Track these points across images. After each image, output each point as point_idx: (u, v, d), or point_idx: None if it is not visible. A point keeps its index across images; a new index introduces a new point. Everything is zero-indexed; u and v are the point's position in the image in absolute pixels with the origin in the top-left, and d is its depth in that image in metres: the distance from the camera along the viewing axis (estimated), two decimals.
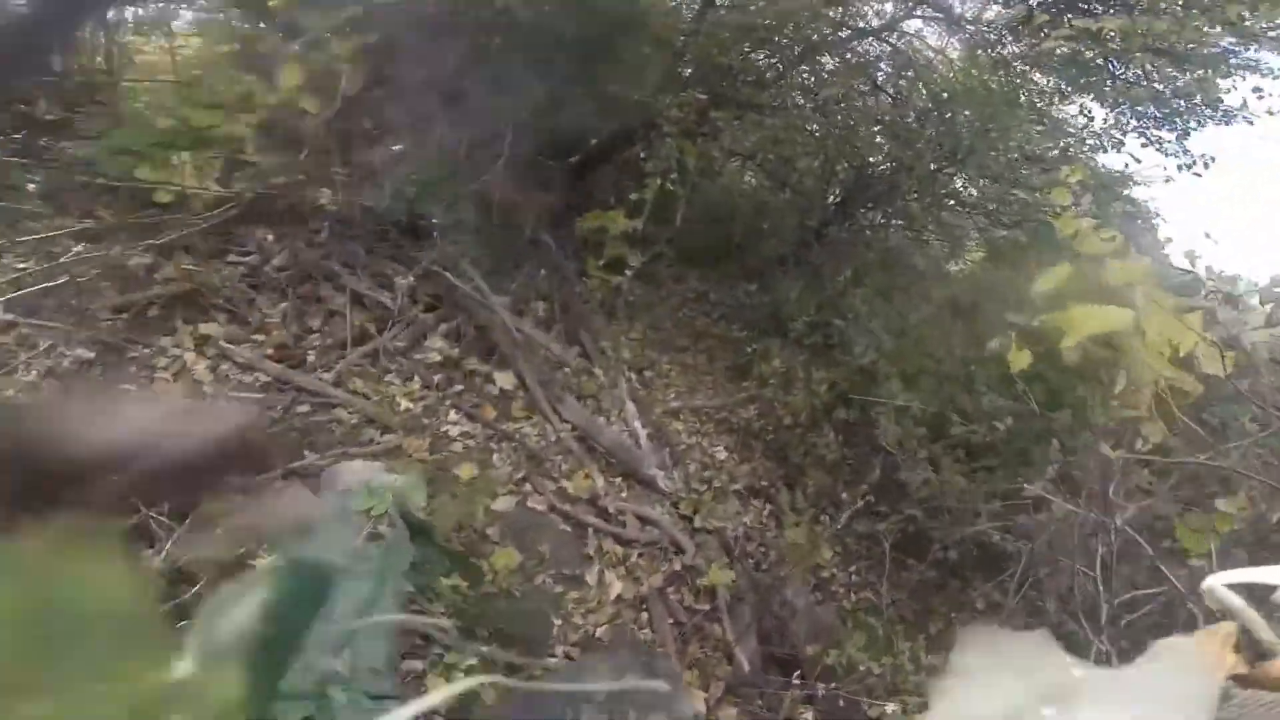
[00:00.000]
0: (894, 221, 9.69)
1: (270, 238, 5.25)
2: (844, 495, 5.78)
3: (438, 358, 5.15)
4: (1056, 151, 8.30)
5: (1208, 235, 6.60)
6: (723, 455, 6.25)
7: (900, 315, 5.97)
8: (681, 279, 9.05)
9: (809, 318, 6.58)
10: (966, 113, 7.98)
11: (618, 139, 7.41)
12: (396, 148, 5.17)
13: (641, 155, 6.73)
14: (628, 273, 6.64)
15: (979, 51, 8.53)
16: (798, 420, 6.03)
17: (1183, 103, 7.86)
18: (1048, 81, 8.44)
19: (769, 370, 6.55)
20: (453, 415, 5.06)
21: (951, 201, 9.15)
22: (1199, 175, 7.38)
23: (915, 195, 8.79)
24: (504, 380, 5.32)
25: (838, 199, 9.93)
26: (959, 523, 5.05)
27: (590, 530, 4.97)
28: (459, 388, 5.19)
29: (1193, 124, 7.77)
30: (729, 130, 6.49)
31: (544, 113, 5.40)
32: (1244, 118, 7.65)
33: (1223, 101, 7.57)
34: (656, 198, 7.67)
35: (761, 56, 7.23)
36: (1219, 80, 7.58)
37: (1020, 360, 3.03)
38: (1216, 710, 0.43)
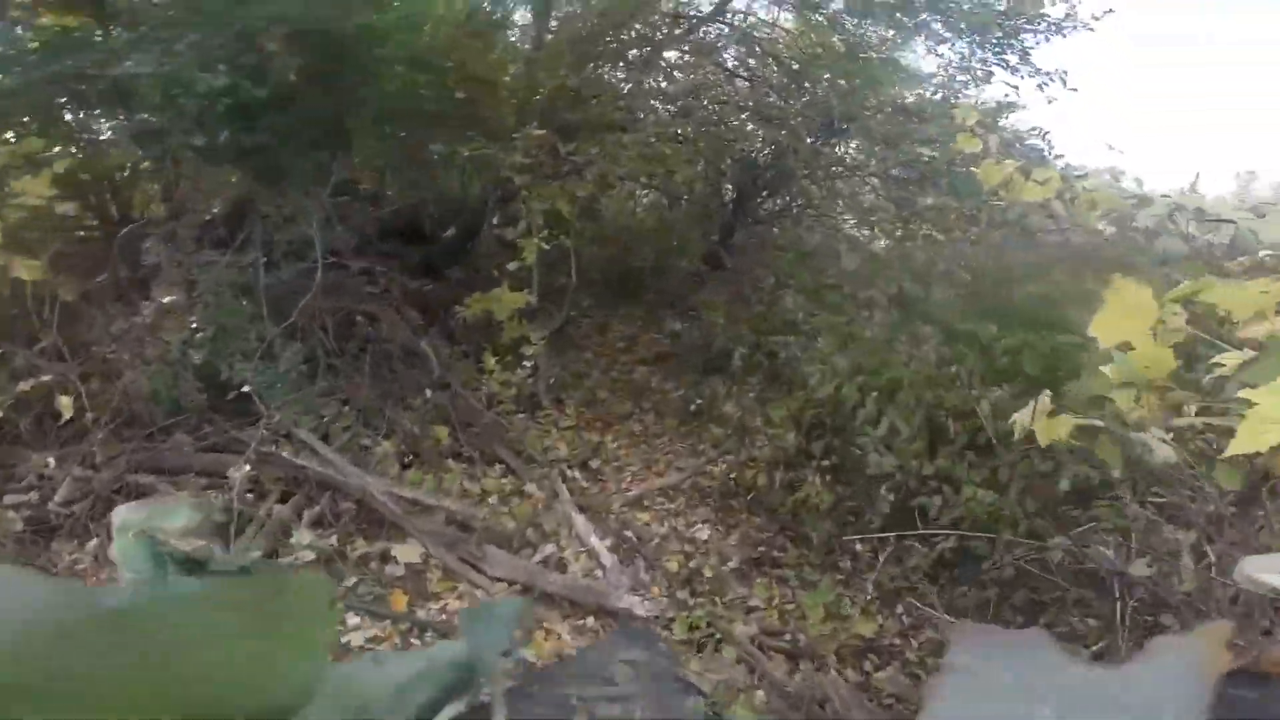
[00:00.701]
0: (798, 209, 8.83)
1: (51, 463, 3.90)
2: (858, 544, 4.66)
3: (310, 555, 3.84)
4: (931, 98, 7.61)
5: (1110, 147, 5.81)
6: (705, 534, 5.08)
7: (843, 319, 4.93)
8: (602, 330, 7.93)
9: (744, 349, 5.49)
10: (826, 77, 7.19)
11: (470, 208, 6.28)
12: (167, 299, 3.89)
13: (494, 223, 5.56)
14: (530, 356, 5.43)
15: (809, 15, 7.78)
16: (775, 470, 4.90)
17: (1014, 22, 7.27)
18: (886, 31, 7.77)
19: (724, 418, 5.42)
20: (352, 620, 3.76)
21: (847, 174, 8.34)
22: (1075, 90, 6.72)
23: (806, 175, 7.95)
24: (406, 554, 4.03)
25: (733, 198, 9.07)
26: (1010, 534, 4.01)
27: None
28: (351, 582, 3.89)
29: (1030, 42, 7.19)
30: (593, 160, 5.37)
31: (360, 205, 4.20)
32: (1082, 26, 7.10)
33: (1048, 16, 7.06)
34: (543, 254, 6.57)
35: (605, 70, 6.17)
36: None
37: (1055, 430, 2.09)
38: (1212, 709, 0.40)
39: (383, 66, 4.58)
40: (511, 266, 5.36)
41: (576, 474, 5.42)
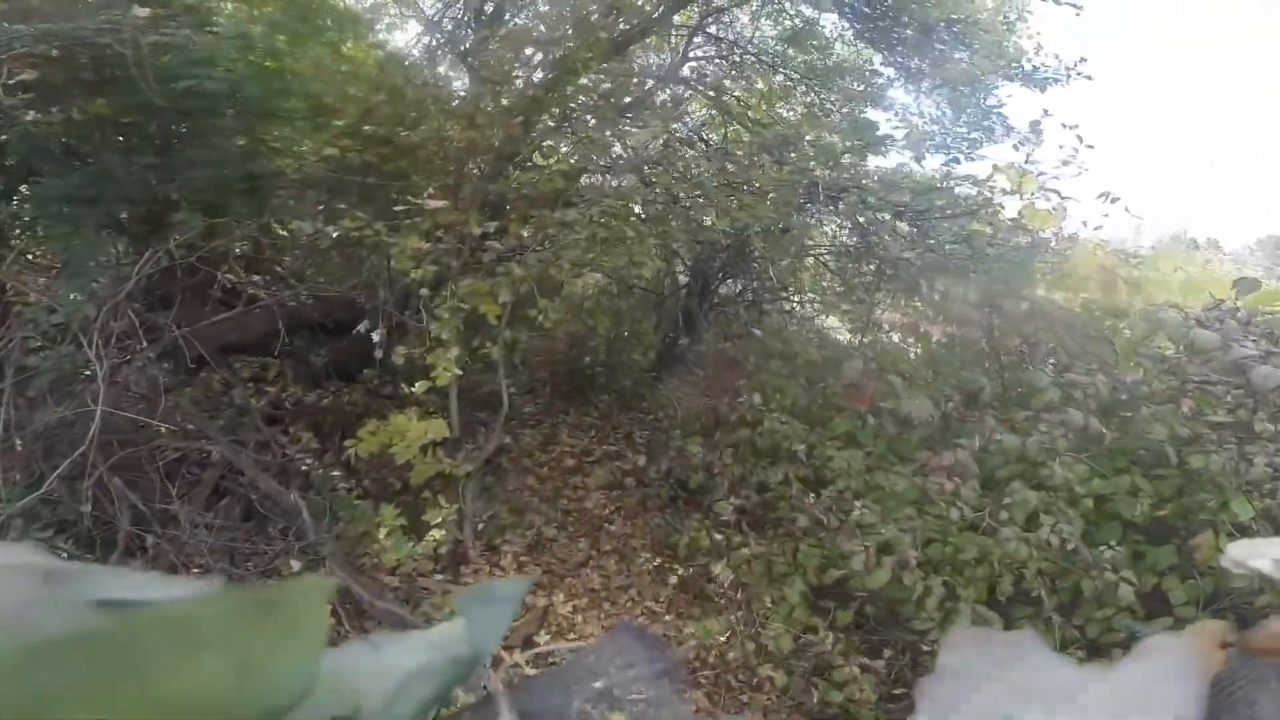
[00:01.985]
0: (765, 295, 7.64)
1: None
2: None
3: None
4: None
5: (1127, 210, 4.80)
6: None
7: (863, 452, 3.57)
8: (547, 445, 6.38)
9: (735, 500, 4.05)
10: (808, 140, 6.15)
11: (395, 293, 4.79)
12: None
13: (365, 330, 4.10)
14: (442, 518, 3.85)
15: (757, 79, 6.88)
16: (798, 650, 3.40)
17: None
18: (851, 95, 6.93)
19: (715, 575, 3.93)
20: None
21: (834, 255, 7.27)
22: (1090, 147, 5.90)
23: (763, 255, 6.81)
24: None
25: (689, 283, 7.83)
26: None
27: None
28: None
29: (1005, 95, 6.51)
30: (525, 246, 3.98)
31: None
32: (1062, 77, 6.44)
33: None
34: (468, 365, 5.07)
35: (541, 132, 4.87)
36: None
37: None
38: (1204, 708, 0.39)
39: (221, 117, 3.18)
40: (418, 389, 3.84)
41: (519, 659, 3.78)
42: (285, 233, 4.39)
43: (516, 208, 4.19)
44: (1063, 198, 3.58)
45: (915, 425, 3.09)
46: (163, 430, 4.01)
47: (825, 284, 7.26)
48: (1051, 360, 3.02)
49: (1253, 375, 2.42)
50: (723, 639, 3.61)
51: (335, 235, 3.45)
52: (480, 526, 4.65)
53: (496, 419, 4.45)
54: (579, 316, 7.37)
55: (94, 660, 0.27)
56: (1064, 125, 4.37)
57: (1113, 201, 3.67)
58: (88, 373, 3.18)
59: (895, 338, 5.55)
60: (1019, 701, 0.38)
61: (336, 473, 4.83)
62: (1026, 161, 3.74)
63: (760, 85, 6.83)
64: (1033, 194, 3.61)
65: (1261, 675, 0.46)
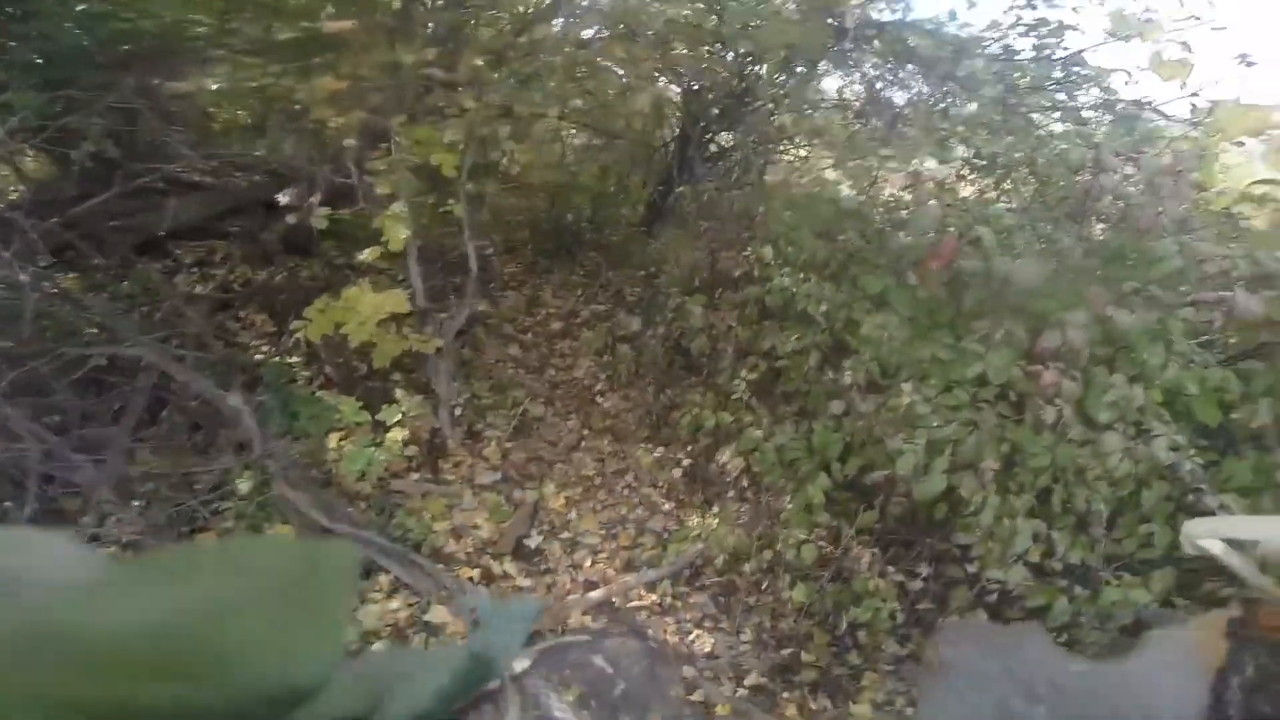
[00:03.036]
0: (768, 146, 6.62)
1: None
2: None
3: None
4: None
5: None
6: (708, 644, 3.19)
7: (891, 309, 2.89)
8: (531, 308, 5.72)
9: (742, 375, 3.44)
10: None
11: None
12: None
13: (286, 200, 3.26)
14: (402, 414, 3.27)
15: None
16: (821, 560, 3.01)
17: None
18: None
19: (715, 469, 3.45)
20: None
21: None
22: None
23: (770, 100, 5.75)
24: None
25: (680, 133, 6.79)
26: None
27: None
28: None
29: None
30: (488, 84, 3.04)
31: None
32: None
33: None
34: (431, 226, 4.28)
35: None
36: None
37: None
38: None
39: None
40: (367, 256, 3.09)
41: (509, 568, 3.38)
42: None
43: (473, 39, 3.18)
44: (1189, 50, 2.69)
45: (990, 295, 2.41)
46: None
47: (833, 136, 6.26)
48: (1158, 230, 2.32)
49: None
50: (732, 541, 3.18)
51: (215, 88, 2.52)
52: (459, 411, 4.10)
53: (468, 283, 3.73)
54: (560, 167, 6.43)
55: (157, 590, 0.26)
56: None
57: (1250, 65, 2.79)
58: None
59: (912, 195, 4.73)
60: (1021, 695, 0.32)
61: (295, 359, 4.20)
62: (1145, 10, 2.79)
63: None
64: (1158, 41, 2.70)
65: (1263, 663, 0.37)
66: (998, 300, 2.48)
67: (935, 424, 2.34)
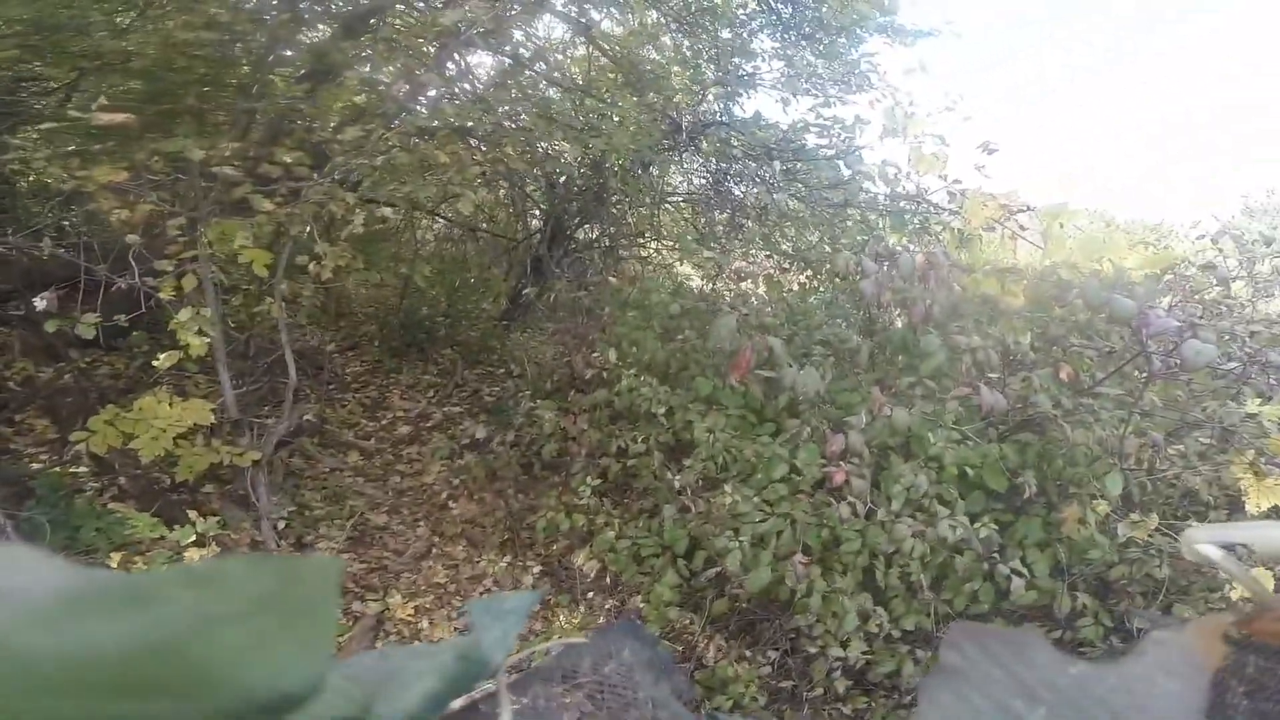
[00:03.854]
0: (619, 242, 6.88)
1: None
2: None
3: None
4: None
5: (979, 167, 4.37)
6: None
7: (720, 409, 2.99)
8: (374, 411, 5.32)
9: (593, 481, 3.38)
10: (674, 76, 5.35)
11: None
12: None
13: (43, 301, 2.93)
14: (197, 533, 2.85)
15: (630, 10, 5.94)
16: (678, 655, 2.87)
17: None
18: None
19: (579, 566, 3.30)
20: None
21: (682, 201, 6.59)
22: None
23: (620, 198, 6.04)
24: None
25: (542, 228, 6.92)
26: None
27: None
28: None
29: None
30: (308, 176, 2.88)
31: None
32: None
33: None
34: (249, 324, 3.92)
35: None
36: None
37: None
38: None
39: None
40: (162, 362, 2.73)
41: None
42: None
43: (295, 133, 3.05)
44: (945, 144, 3.14)
45: (796, 395, 2.54)
46: None
47: (679, 230, 6.63)
48: (930, 321, 2.59)
49: (1184, 349, 2.10)
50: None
51: None
52: (283, 524, 3.65)
53: (287, 392, 3.40)
54: (409, 262, 6.24)
55: (127, 612, 0.25)
56: (924, 71, 3.91)
57: (991, 153, 3.29)
58: None
59: (748, 286, 5.03)
60: (1021, 698, 0.35)
61: (82, 469, 3.58)
62: (910, 105, 3.25)
63: (634, 19, 5.85)
64: (918, 137, 3.12)
65: (1263, 667, 0.43)
66: (802, 401, 2.61)
67: (757, 519, 2.36)
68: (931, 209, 3.71)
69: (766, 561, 2.33)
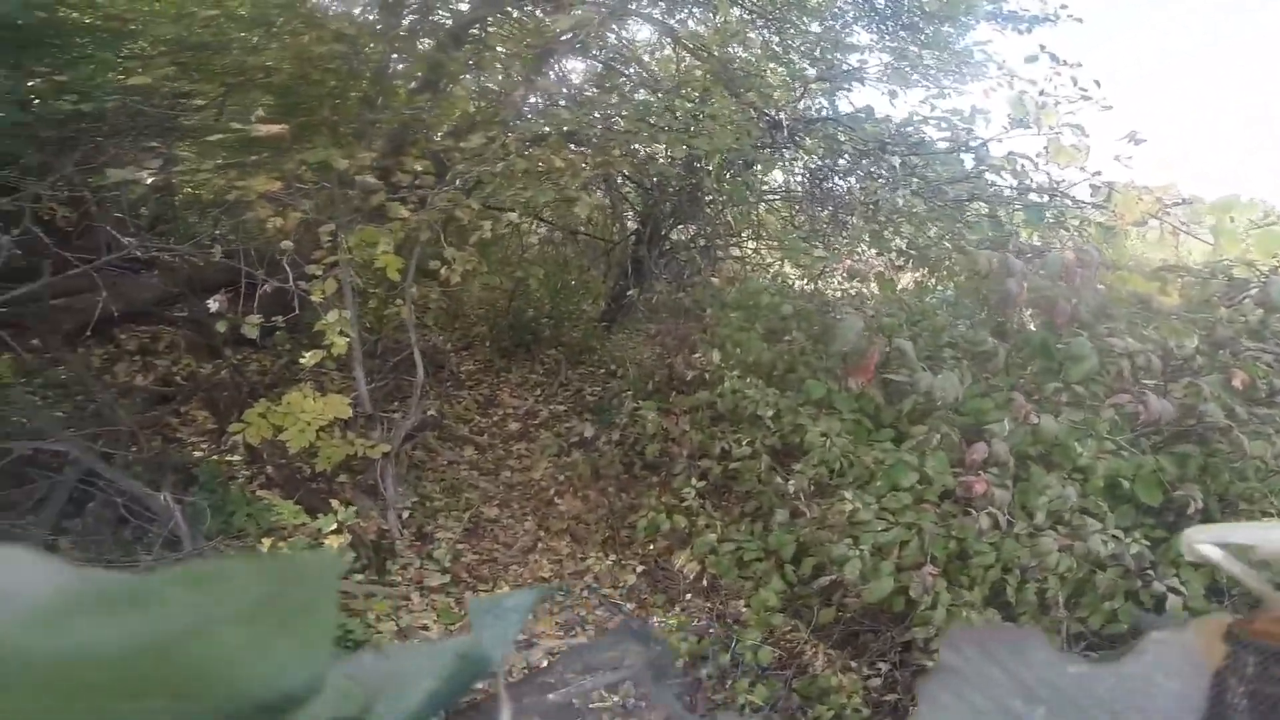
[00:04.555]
0: (715, 242, 6.77)
1: None
2: None
3: None
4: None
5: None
6: None
7: (834, 413, 2.82)
8: (486, 409, 5.53)
9: (696, 482, 3.32)
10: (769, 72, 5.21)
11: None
12: None
13: (214, 304, 3.14)
14: (338, 523, 3.02)
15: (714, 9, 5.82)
16: (780, 661, 2.78)
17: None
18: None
19: (680, 567, 3.25)
20: None
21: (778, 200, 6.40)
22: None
23: (716, 197, 5.92)
24: None
25: (638, 229, 6.94)
26: None
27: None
28: None
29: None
30: (433, 183, 3.01)
31: None
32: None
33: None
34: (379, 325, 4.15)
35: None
36: None
37: None
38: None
39: None
40: (307, 361, 2.93)
41: None
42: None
43: (418, 141, 3.19)
44: (1084, 134, 2.84)
45: (922, 401, 2.36)
46: None
47: (779, 229, 6.43)
48: (1075, 323, 2.33)
49: None
50: (686, 647, 2.93)
51: (149, 182, 2.44)
52: (407, 513, 3.84)
53: (415, 389, 3.57)
54: (520, 265, 6.44)
55: (123, 614, 0.25)
56: (1058, 61, 3.52)
57: (1138, 143, 2.95)
58: None
59: (857, 286, 4.78)
60: (1021, 698, 0.35)
61: (236, 458, 3.93)
62: (1040, 94, 2.97)
63: (718, 17, 5.77)
64: (1055, 129, 2.84)
65: (1260, 666, 0.43)
66: (930, 406, 2.42)
67: (880, 528, 2.21)
68: (1070, 202, 3.37)
69: (888, 572, 2.19)
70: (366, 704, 0.35)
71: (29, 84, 2.57)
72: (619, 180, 6.32)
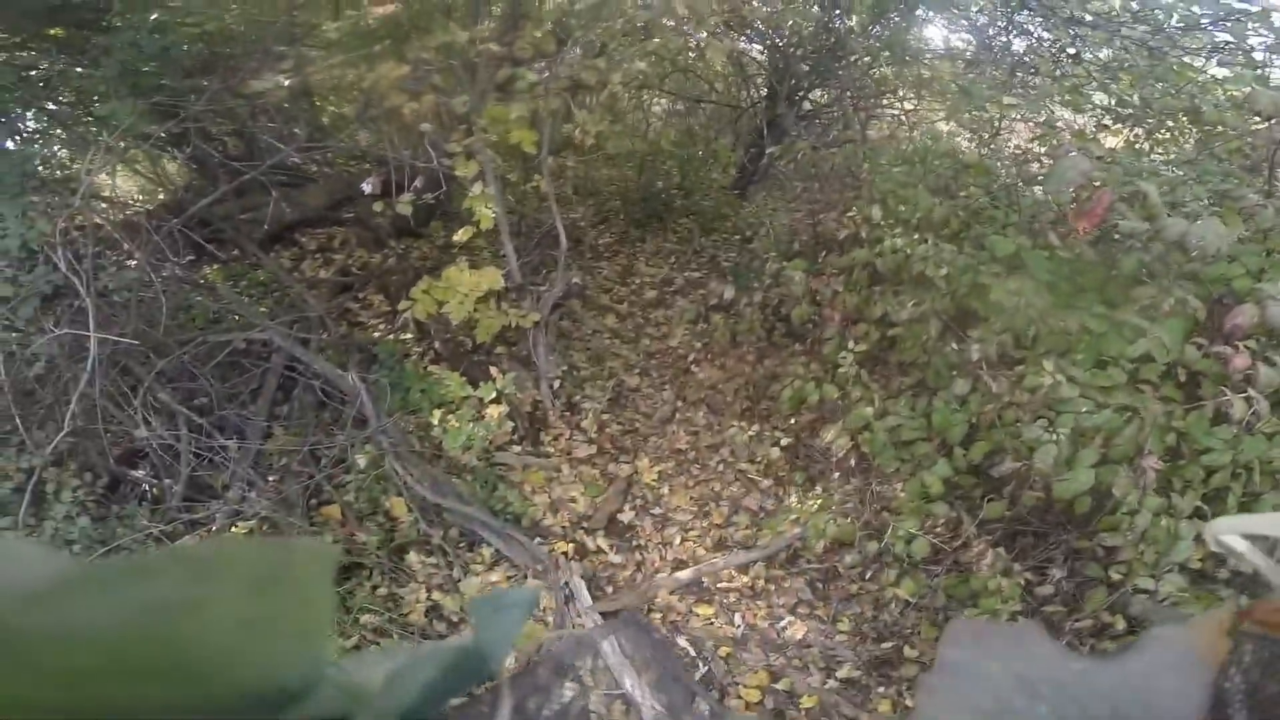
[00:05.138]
0: (864, 102, 5.91)
1: None
2: None
3: None
4: None
5: None
6: (801, 631, 2.92)
7: (1026, 273, 2.36)
8: (625, 277, 5.48)
9: (852, 346, 3.04)
10: None
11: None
12: None
13: (367, 187, 3.10)
14: (497, 392, 3.13)
15: None
16: (935, 554, 2.63)
17: None
18: None
19: (828, 444, 3.09)
20: None
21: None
22: None
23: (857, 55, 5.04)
24: None
25: (768, 92, 6.23)
26: None
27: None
28: None
29: None
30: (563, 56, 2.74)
31: None
32: None
33: None
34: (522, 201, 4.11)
35: None
36: None
37: None
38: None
39: None
40: (460, 237, 2.95)
41: (602, 543, 3.25)
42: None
43: (530, 14, 2.89)
44: None
45: (1190, 253, 1.86)
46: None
47: (943, 86, 5.44)
48: None
49: None
50: (833, 530, 2.84)
51: (287, 84, 2.40)
52: (558, 383, 3.97)
53: (560, 257, 3.54)
54: (643, 135, 6.11)
55: (116, 595, 0.25)
56: None
57: None
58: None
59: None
60: (1021, 694, 0.34)
61: (407, 337, 4.21)
62: None
63: None
64: None
65: (1266, 657, 0.43)
66: (1163, 265, 1.94)
67: (1084, 409, 1.88)
68: None
69: (1089, 462, 1.88)
70: (365, 699, 0.34)
71: (150, 18, 2.61)
72: (748, 36, 5.61)
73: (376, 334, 4.32)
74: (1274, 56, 3.38)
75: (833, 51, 5.47)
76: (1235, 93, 3.01)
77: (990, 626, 0.39)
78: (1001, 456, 2.21)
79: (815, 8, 5.39)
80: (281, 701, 0.27)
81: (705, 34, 3.29)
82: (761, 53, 6.26)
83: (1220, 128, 2.66)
